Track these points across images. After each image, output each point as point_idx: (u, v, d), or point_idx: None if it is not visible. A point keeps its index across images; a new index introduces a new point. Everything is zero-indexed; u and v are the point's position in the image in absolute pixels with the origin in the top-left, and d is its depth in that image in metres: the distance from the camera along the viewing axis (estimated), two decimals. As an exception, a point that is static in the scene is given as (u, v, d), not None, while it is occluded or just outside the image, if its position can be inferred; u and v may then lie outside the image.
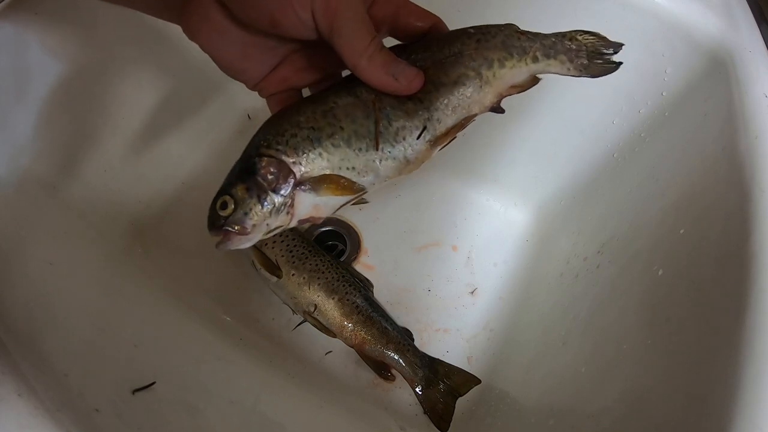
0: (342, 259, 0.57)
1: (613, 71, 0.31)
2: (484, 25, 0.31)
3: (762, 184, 0.34)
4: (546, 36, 0.30)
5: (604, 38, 0.31)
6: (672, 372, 0.32)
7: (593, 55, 0.31)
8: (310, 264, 0.49)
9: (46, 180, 0.42)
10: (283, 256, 0.49)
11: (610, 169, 0.53)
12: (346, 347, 0.49)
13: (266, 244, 0.49)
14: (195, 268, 0.52)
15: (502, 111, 0.31)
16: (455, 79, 0.29)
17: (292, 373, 0.47)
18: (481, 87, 0.29)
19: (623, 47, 0.31)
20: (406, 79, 0.28)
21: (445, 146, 0.31)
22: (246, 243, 0.30)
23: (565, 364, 0.43)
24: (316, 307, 0.48)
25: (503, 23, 0.31)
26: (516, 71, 0.30)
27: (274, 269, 0.48)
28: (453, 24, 0.32)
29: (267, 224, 0.29)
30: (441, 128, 0.30)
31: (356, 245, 0.58)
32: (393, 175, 0.30)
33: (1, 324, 0.30)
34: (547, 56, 0.30)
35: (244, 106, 0.63)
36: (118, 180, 0.49)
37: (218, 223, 0.29)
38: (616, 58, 0.31)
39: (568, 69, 0.31)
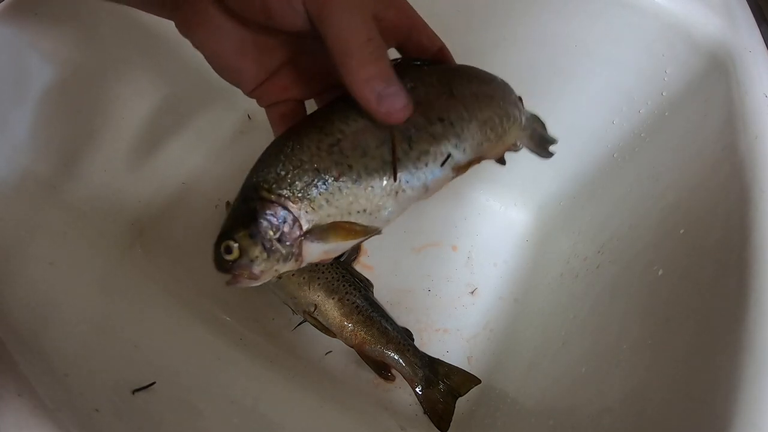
0: (342, 259, 0.57)
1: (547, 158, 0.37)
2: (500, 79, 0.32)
3: (762, 184, 0.34)
4: (524, 110, 0.33)
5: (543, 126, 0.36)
6: (672, 372, 0.32)
7: (539, 140, 0.36)
8: (310, 264, 0.49)
9: (46, 180, 0.42)
10: (283, 256, 0.48)
11: (610, 169, 0.53)
12: (346, 347, 0.49)
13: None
14: (195, 268, 0.52)
15: (503, 163, 0.33)
16: (485, 120, 0.29)
17: (292, 373, 0.47)
18: (499, 137, 0.30)
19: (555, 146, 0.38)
20: (389, 106, 0.24)
21: (457, 177, 0.29)
22: (257, 283, 0.28)
23: (565, 364, 0.43)
24: (316, 307, 0.48)
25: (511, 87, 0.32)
26: (512, 136, 0.32)
27: (274, 269, 0.48)
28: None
29: (276, 270, 0.27)
30: (464, 159, 0.28)
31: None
32: (409, 206, 0.29)
33: (1, 324, 0.30)
34: (525, 128, 0.33)
35: (245, 106, 0.62)
36: (118, 180, 0.49)
37: (225, 266, 0.28)
38: (553, 148, 0.37)
39: (527, 145, 0.35)
